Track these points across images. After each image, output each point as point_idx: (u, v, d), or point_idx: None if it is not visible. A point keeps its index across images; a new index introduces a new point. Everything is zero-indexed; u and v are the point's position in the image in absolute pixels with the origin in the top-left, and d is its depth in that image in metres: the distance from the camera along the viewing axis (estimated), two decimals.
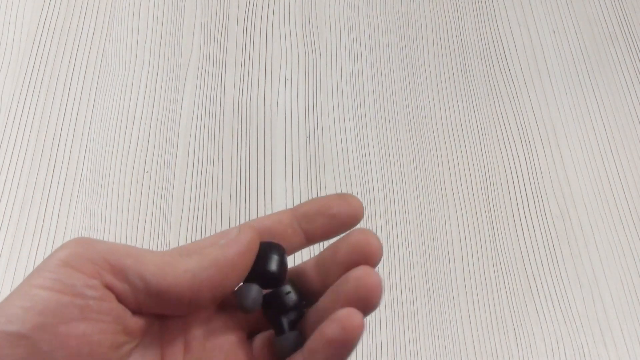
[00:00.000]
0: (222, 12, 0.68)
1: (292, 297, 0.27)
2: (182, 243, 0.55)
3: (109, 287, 0.23)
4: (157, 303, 0.24)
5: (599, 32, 0.68)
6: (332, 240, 0.28)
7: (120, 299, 0.24)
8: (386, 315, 0.52)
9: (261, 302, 0.27)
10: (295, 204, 0.56)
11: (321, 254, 0.28)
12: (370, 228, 0.56)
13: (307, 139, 0.60)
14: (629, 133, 0.62)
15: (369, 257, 0.25)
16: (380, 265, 0.54)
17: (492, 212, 0.57)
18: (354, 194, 0.58)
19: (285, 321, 0.27)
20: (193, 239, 0.55)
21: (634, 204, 0.58)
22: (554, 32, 0.68)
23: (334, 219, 0.27)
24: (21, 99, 0.61)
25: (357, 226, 0.28)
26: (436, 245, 0.56)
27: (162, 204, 0.56)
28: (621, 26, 0.69)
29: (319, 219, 0.27)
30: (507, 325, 0.52)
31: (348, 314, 0.23)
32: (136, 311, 0.24)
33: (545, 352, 0.51)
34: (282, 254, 0.27)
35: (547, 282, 0.54)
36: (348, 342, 0.23)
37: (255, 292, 0.26)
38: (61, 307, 0.21)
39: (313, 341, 0.24)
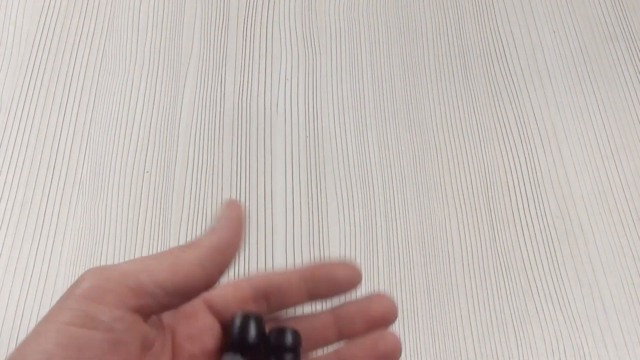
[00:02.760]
0: (222, 12, 0.68)
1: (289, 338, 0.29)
2: (182, 243, 0.55)
3: (134, 310, 0.24)
4: (179, 300, 0.26)
5: (599, 32, 0.68)
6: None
7: (147, 314, 0.25)
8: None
9: None
10: (294, 204, 0.56)
11: (342, 309, 0.31)
12: (371, 228, 0.56)
13: (307, 139, 0.60)
14: (629, 133, 0.62)
15: (389, 321, 0.30)
16: (380, 265, 0.55)
17: (492, 212, 0.57)
18: (354, 194, 0.58)
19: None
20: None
21: (634, 204, 0.58)
22: (554, 32, 0.68)
23: (338, 285, 0.30)
24: (21, 99, 0.61)
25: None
26: (436, 245, 0.56)
27: (162, 204, 0.56)
28: (621, 26, 0.69)
29: (324, 284, 0.30)
30: (507, 325, 0.52)
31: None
32: (158, 313, 0.26)
33: (545, 352, 0.51)
34: (262, 324, 0.29)
35: (547, 282, 0.54)
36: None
37: None
38: (95, 343, 0.22)
39: None
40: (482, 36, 0.68)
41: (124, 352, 0.23)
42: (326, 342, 0.31)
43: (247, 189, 0.57)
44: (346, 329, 0.31)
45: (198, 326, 0.29)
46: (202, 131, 0.60)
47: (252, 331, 0.28)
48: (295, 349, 0.29)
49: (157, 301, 0.25)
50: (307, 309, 0.32)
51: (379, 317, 0.31)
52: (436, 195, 0.58)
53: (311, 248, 0.55)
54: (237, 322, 0.29)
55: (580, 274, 0.55)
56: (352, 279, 0.31)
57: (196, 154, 0.59)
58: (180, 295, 0.26)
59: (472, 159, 0.60)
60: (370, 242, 0.55)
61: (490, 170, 0.60)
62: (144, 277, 0.24)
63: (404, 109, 0.63)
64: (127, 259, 0.53)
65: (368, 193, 0.58)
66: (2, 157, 0.58)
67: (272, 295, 0.31)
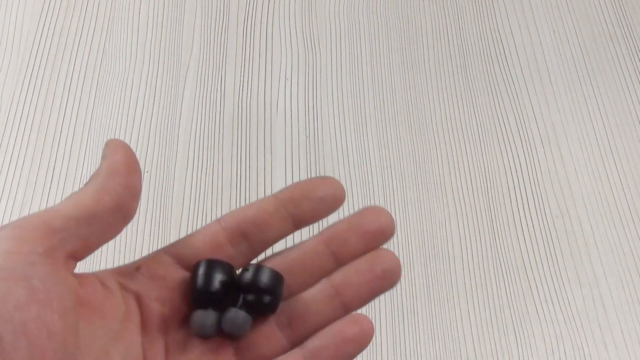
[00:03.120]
0: (222, 12, 0.68)
1: (248, 276, 0.26)
2: None
3: (49, 253, 0.23)
4: (98, 230, 0.24)
5: (599, 32, 0.68)
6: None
7: (64, 252, 0.23)
8: (386, 315, 0.52)
9: (216, 326, 0.26)
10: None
11: (331, 229, 0.28)
12: None
13: (307, 138, 0.60)
14: (629, 133, 0.62)
15: (387, 235, 0.27)
16: None
17: (492, 212, 0.57)
18: (354, 194, 0.58)
19: (240, 300, 0.26)
20: None
21: (634, 204, 0.58)
22: (554, 32, 0.68)
23: (321, 202, 0.27)
24: (21, 99, 0.61)
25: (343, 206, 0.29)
26: (436, 245, 0.56)
27: (162, 204, 0.56)
28: (621, 26, 0.69)
29: (306, 203, 0.27)
30: (507, 325, 0.52)
31: (366, 318, 0.25)
32: (88, 252, 0.24)
33: (545, 352, 0.51)
34: (227, 268, 0.27)
35: (547, 282, 0.54)
36: (364, 344, 0.25)
37: (210, 318, 0.26)
38: (10, 294, 0.21)
39: (322, 338, 0.25)
40: (482, 36, 0.68)
41: (43, 303, 0.22)
42: (323, 271, 0.28)
43: (247, 189, 0.57)
44: (341, 250, 0.28)
45: (167, 286, 0.27)
46: (202, 131, 0.60)
47: (214, 279, 0.26)
48: (273, 290, 0.26)
49: (73, 235, 0.24)
50: (293, 241, 0.29)
51: (375, 231, 0.28)
52: (436, 195, 0.58)
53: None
54: (197, 271, 0.26)
55: (580, 274, 0.55)
56: (335, 194, 0.28)
57: (196, 154, 0.59)
58: (95, 223, 0.24)
59: (472, 159, 0.60)
60: None
61: (490, 170, 0.60)
62: (49, 215, 0.23)
63: (404, 109, 0.63)
64: (127, 259, 0.53)
65: (368, 193, 0.58)
66: (2, 157, 0.58)
67: (251, 232, 0.27)
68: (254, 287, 0.26)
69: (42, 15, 0.66)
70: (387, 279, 0.28)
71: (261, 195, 0.57)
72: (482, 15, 0.69)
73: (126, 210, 0.25)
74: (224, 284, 0.26)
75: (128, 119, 0.60)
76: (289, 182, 0.58)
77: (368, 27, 0.67)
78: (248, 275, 0.26)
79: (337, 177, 0.58)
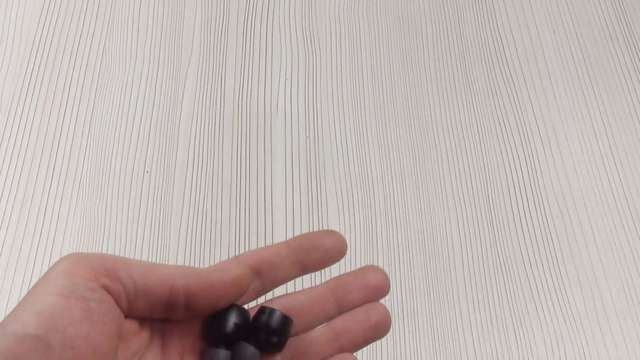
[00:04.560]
0: (222, 12, 0.68)
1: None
2: (182, 243, 0.55)
3: (105, 288, 0.25)
4: (144, 302, 0.27)
5: (599, 32, 0.68)
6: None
7: (115, 300, 0.26)
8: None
9: None
10: (294, 204, 0.56)
11: (338, 280, 0.32)
12: (371, 228, 0.56)
13: (307, 139, 0.60)
14: (629, 133, 0.62)
15: (384, 292, 0.32)
16: (380, 265, 0.55)
17: (492, 212, 0.57)
18: (354, 193, 0.58)
19: (252, 337, 0.29)
20: (193, 239, 0.55)
21: (634, 204, 0.58)
22: (554, 32, 0.68)
23: (327, 253, 0.31)
24: (21, 99, 0.61)
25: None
26: (436, 245, 0.56)
27: (162, 204, 0.56)
28: (621, 26, 0.69)
29: (314, 253, 0.31)
30: (507, 325, 0.52)
31: (355, 358, 0.30)
32: (129, 314, 0.27)
33: (545, 352, 0.51)
34: (241, 312, 0.30)
35: (547, 282, 0.54)
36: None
37: (222, 356, 0.29)
38: (68, 310, 0.24)
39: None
40: (482, 36, 0.68)
41: (95, 324, 0.24)
42: (326, 316, 0.31)
43: (247, 189, 0.57)
44: (344, 300, 0.31)
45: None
46: (202, 131, 0.60)
47: (230, 322, 0.29)
48: (282, 332, 0.29)
49: (126, 292, 0.26)
50: (299, 285, 0.32)
51: (375, 287, 0.31)
52: (436, 195, 0.58)
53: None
54: (215, 313, 0.29)
55: (580, 274, 0.55)
56: (339, 247, 0.31)
57: (196, 154, 0.59)
58: (148, 298, 0.27)
59: (472, 159, 0.60)
60: (370, 242, 0.55)
61: (490, 170, 0.60)
62: (120, 264, 0.26)
63: (404, 109, 0.63)
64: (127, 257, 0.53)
65: (368, 193, 0.58)
66: (2, 157, 0.58)
67: (265, 272, 0.30)
68: (266, 328, 0.29)
69: (42, 15, 0.66)
70: (380, 330, 0.31)
71: (261, 195, 0.57)
72: (482, 15, 0.69)
73: (188, 312, 0.28)
74: (237, 326, 0.29)
75: (128, 119, 0.60)
76: (289, 182, 0.58)
77: (368, 27, 0.67)
78: (263, 318, 0.29)
79: (337, 177, 0.58)
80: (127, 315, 0.27)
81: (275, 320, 0.29)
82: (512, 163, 0.60)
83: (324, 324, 0.31)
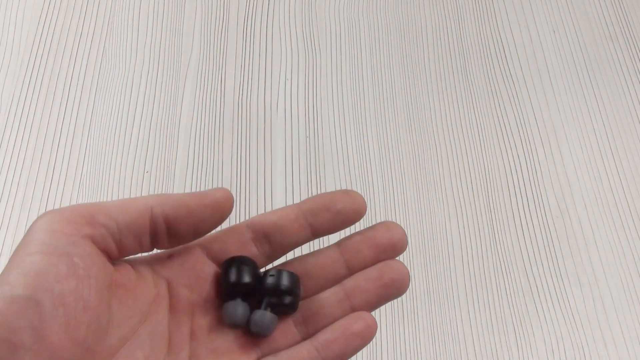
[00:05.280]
0: (222, 12, 0.68)
1: (272, 280, 0.29)
2: None
3: (89, 237, 0.25)
4: (132, 238, 0.27)
5: (599, 32, 0.68)
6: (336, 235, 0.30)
7: (100, 246, 0.26)
8: (386, 315, 0.52)
9: (248, 317, 0.29)
10: (295, 204, 0.56)
11: (347, 240, 0.30)
12: None
13: (307, 138, 0.60)
14: (629, 133, 0.62)
15: (398, 249, 0.30)
16: None
17: (492, 212, 0.57)
18: None
19: (265, 302, 0.29)
20: None
21: (634, 204, 0.58)
22: (554, 32, 0.68)
23: (339, 214, 0.29)
24: (21, 99, 0.61)
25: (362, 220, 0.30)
26: (436, 245, 0.56)
27: None
28: (621, 26, 0.69)
29: (325, 214, 0.29)
30: (507, 325, 0.52)
31: (370, 315, 0.28)
32: (121, 254, 0.27)
33: (545, 352, 0.51)
34: (253, 265, 0.29)
35: (547, 282, 0.54)
36: (368, 339, 0.28)
37: (241, 308, 0.29)
38: (52, 267, 0.23)
39: (331, 332, 0.28)
40: (482, 36, 0.68)
41: (81, 278, 0.24)
42: (336, 278, 0.30)
43: (247, 189, 0.57)
44: (354, 260, 0.30)
45: (196, 274, 0.29)
46: (202, 131, 0.60)
47: (245, 273, 0.29)
48: (293, 291, 0.29)
49: (111, 234, 0.26)
50: (312, 247, 0.31)
51: (387, 244, 0.30)
52: (436, 195, 0.58)
53: (311, 248, 0.55)
54: (230, 267, 0.29)
55: (580, 274, 0.55)
56: (354, 208, 0.30)
57: (196, 154, 0.59)
58: (133, 233, 0.26)
59: (472, 159, 0.60)
60: None
61: (490, 170, 0.60)
62: (95, 208, 0.26)
63: (404, 108, 0.63)
64: None
65: (368, 193, 0.58)
66: (2, 157, 0.58)
67: (273, 235, 0.30)
68: (277, 289, 0.29)
69: (42, 15, 0.66)
70: (395, 287, 0.30)
71: (261, 195, 0.57)
72: (482, 15, 0.69)
73: (170, 234, 0.27)
74: (252, 278, 0.29)
75: (128, 119, 0.60)
76: (289, 182, 0.58)
77: (368, 27, 0.68)
78: (271, 280, 0.29)
79: (337, 177, 0.58)
80: (119, 257, 0.27)
81: (284, 280, 0.29)
82: (512, 163, 0.60)
83: (336, 285, 0.30)
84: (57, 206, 0.56)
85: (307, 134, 0.61)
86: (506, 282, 0.54)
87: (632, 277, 0.55)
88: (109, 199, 0.56)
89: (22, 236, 0.54)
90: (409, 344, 0.51)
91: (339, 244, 0.31)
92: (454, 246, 0.55)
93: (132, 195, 0.56)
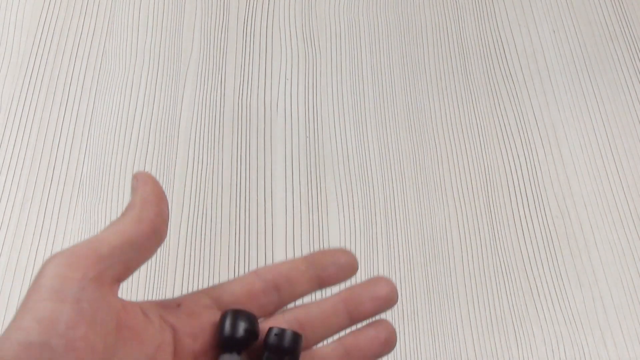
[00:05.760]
0: (222, 12, 0.68)
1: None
2: (182, 243, 0.55)
3: (98, 278, 0.26)
4: (137, 255, 0.28)
5: (599, 32, 0.68)
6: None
7: (107, 281, 0.27)
8: (386, 315, 0.52)
9: None
10: (294, 204, 0.56)
11: (349, 292, 0.33)
12: (371, 228, 0.56)
13: (307, 139, 0.60)
14: (629, 133, 0.62)
15: (392, 302, 0.33)
16: (380, 265, 0.55)
17: (492, 212, 0.57)
18: (354, 193, 0.58)
19: (265, 357, 0.30)
20: (193, 239, 0.55)
21: (634, 204, 0.58)
22: (554, 32, 0.68)
23: (341, 269, 0.32)
24: (21, 99, 0.61)
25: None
26: (436, 245, 0.56)
27: None
28: (621, 26, 0.69)
29: (330, 268, 0.32)
30: (507, 325, 0.52)
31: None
32: (126, 274, 0.28)
33: (545, 352, 0.51)
34: (252, 318, 0.30)
35: (547, 282, 0.54)
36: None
37: None
38: (63, 315, 0.25)
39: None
40: (482, 36, 0.68)
41: (91, 324, 0.25)
42: (339, 327, 0.32)
43: (247, 189, 0.57)
44: (356, 311, 0.32)
45: (201, 324, 0.30)
46: (202, 131, 0.60)
47: (241, 328, 0.30)
48: (294, 351, 0.30)
49: (117, 261, 0.27)
50: (309, 298, 0.33)
51: (385, 298, 0.33)
52: (436, 195, 0.58)
53: (311, 248, 0.55)
54: (226, 319, 0.30)
55: (580, 274, 0.55)
56: (352, 264, 0.33)
57: (196, 154, 0.59)
58: (135, 249, 0.28)
59: (472, 159, 0.60)
60: (370, 242, 0.55)
61: (490, 170, 0.60)
62: (97, 244, 0.27)
63: (404, 108, 0.63)
64: None
65: (368, 193, 0.58)
66: (2, 157, 0.58)
67: (282, 286, 0.31)
68: (279, 349, 0.30)
69: (42, 15, 0.66)
70: (388, 345, 0.32)
71: (261, 195, 0.57)
72: (482, 15, 0.69)
73: (160, 234, 0.29)
74: (247, 332, 0.30)
75: (128, 119, 0.60)
76: (289, 182, 0.58)
77: (368, 27, 0.68)
78: (274, 339, 0.30)
79: (337, 177, 0.58)
80: (131, 273, 0.28)
81: (287, 340, 0.30)
82: (512, 163, 0.60)
83: (335, 339, 0.32)
84: (57, 207, 0.56)
85: (307, 134, 0.61)
86: (506, 282, 0.54)
87: (632, 277, 0.55)
88: (109, 199, 0.56)
89: (21, 236, 0.54)
90: (409, 344, 0.51)
91: (340, 294, 0.33)
92: (454, 246, 0.55)
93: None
